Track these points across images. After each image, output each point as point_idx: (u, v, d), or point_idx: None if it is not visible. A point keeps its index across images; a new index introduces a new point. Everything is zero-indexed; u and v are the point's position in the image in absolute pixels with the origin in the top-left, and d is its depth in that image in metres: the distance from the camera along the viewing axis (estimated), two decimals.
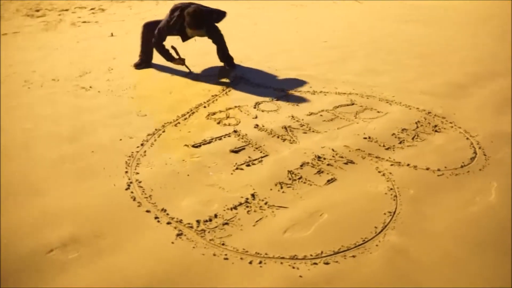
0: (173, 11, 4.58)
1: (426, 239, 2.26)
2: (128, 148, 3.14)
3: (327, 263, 2.09)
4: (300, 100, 4.06)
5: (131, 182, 2.72)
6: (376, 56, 5.58)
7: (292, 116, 3.68)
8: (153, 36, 4.65)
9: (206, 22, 4.50)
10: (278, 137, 3.33)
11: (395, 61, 5.37)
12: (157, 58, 4.85)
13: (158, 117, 3.66)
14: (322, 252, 2.15)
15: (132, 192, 2.62)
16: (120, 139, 3.27)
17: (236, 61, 5.09)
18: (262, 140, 3.27)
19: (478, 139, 3.31)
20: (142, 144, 3.20)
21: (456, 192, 2.67)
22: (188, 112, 3.76)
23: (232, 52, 4.98)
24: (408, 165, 2.95)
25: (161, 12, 7.72)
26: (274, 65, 5.07)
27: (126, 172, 2.84)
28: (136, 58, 4.93)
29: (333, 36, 6.55)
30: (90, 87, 4.32)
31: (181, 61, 4.78)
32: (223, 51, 4.84)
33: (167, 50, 4.76)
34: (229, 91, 4.27)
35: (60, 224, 2.33)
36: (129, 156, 3.03)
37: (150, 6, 8.63)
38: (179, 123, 3.56)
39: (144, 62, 4.93)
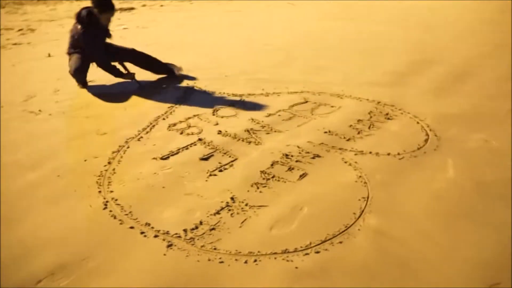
0: (78, 17, 4.34)
1: (401, 217, 2.45)
2: (95, 168, 3.06)
3: (317, 252, 2.20)
4: (256, 103, 4.17)
5: (107, 201, 2.66)
6: (318, 54, 5.84)
7: (252, 119, 3.78)
8: (85, 71, 4.53)
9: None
10: (243, 140, 3.41)
11: (337, 57, 5.66)
12: (104, 77, 4.74)
13: (119, 134, 3.59)
14: (310, 243, 2.26)
15: (110, 211, 2.57)
16: (85, 160, 3.18)
17: (185, 71, 5.11)
18: (228, 145, 3.33)
19: (427, 122, 3.60)
20: (109, 163, 3.13)
21: (417, 172, 2.90)
22: (148, 126, 3.73)
23: (179, 62, 5.01)
24: (370, 153, 3.15)
25: None
26: (224, 71, 5.14)
27: (100, 191, 2.78)
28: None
29: (274, 39, 6.75)
30: (40, 110, 4.13)
31: (131, 75, 4.72)
32: (154, 62, 4.84)
33: (114, 66, 4.68)
34: (184, 101, 4.28)
35: (43, 252, 2.24)
36: (99, 176, 2.96)
37: None
38: (141, 137, 3.52)
39: (83, 81, 4.73)
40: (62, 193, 2.78)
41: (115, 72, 4.62)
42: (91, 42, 4.42)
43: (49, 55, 6.05)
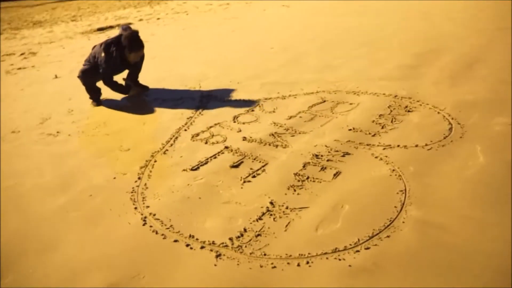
0: (107, 49, 4.50)
1: (441, 206, 2.45)
2: (126, 185, 3.06)
3: (367, 248, 2.20)
4: (274, 106, 4.18)
5: (145, 217, 2.66)
6: (324, 52, 5.87)
7: (274, 123, 3.79)
8: (93, 80, 4.64)
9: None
10: (269, 144, 3.42)
11: (344, 53, 5.68)
12: (110, 93, 4.77)
13: (143, 149, 3.59)
14: (359, 240, 2.26)
15: (151, 226, 2.57)
16: (114, 178, 3.18)
17: (194, 82, 5.15)
18: (256, 150, 3.34)
19: (448, 111, 3.62)
20: (139, 178, 3.13)
21: (448, 160, 2.91)
22: (171, 138, 3.73)
23: (186, 72, 5.07)
24: (398, 146, 3.16)
25: None
26: (235, 78, 5.15)
27: (135, 208, 2.78)
28: (86, 95, 4.81)
29: (277, 41, 6.77)
30: (58, 132, 4.13)
31: (140, 89, 4.77)
32: (138, 72, 4.90)
33: (121, 85, 4.75)
34: (202, 110, 4.28)
35: (91, 274, 2.24)
36: (131, 192, 2.96)
37: (82, 42, 8.36)
38: (167, 150, 3.52)
39: (97, 99, 4.80)
40: (98, 213, 2.77)
41: (125, 90, 4.73)
42: (107, 72, 4.58)
43: (56, 77, 6.05)
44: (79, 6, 13.12)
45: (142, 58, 4.76)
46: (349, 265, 2.10)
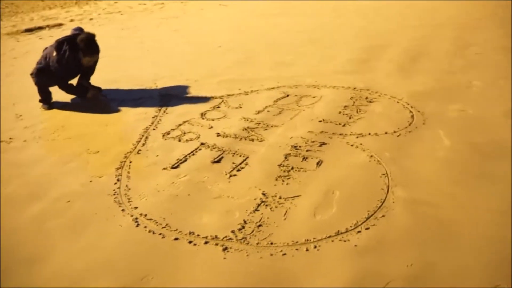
0: (59, 47, 4.26)
1: (423, 186, 2.66)
2: (105, 188, 2.92)
3: (367, 228, 2.33)
4: (239, 102, 4.21)
5: (136, 218, 2.57)
6: (272, 50, 6.00)
7: (244, 118, 3.82)
8: (47, 81, 4.36)
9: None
10: (245, 139, 3.45)
11: (292, 51, 5.86)
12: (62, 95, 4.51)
13: (114, 150, 3.44)
14: (357, 221, 2.38)
15: (145, 227, 2.49)
16: (90, 181, 3.02)
17: (149, 81, 5.03)
18: (233, 145, 3.35)
19: (405, 100, 3.91)
20: (118, 180, 3.01)
21: (418, 144, 3.16)
22: (141, 138, 3.62)
23: (137, 72, 4.97)
24: (369, 134, 3.36)
25: (24, 50, 7.07)
26: (190, 77, 5.10)
27: (123, 210, 2.67)
28: (36, 99, 4.49)
29: (222, 40, 6.79)
30: (10, 138, 3.80)
31: (96, 90, 4.56)
32: (91, 75, 4.72)
33: (77, 87, 4.51)
34: (166, 109, 4.19)
35: (93, 281, 2.12)
36: (113, 195, 2.83)
37: (11, 44, 7.71)
38: (140, 150, 3.41)
39: (49, 102, 4.50)
40: (81, 219, 2.62)
41: (81, 92, 4.51)
42: (59, 72, 4.31)
43: None
44: None
45: (95, 61, 4.54)
46: (355, 245, 2.21)
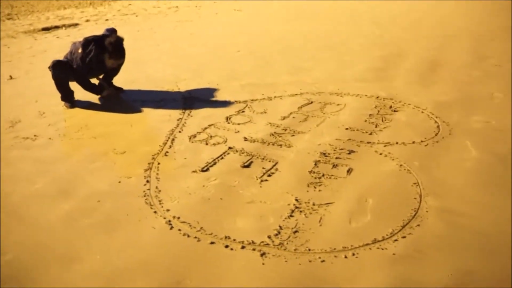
0: (85, 45, 4.30)
1: (454, 195, 2.66)
2: (135, 189, 2.93)
3: (404, 237, 2.33)
4: (263, 107, 4.22)
5: (169, 221, 2.57)
6: (290, 55, 6.02)
7: (270, 123, 3.83)
8: (65, 76, 4.37)
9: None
10: (273, 144, 3.45)
11: (310, 57, 5.87)
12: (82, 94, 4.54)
13: (140, 151, 3.45)
14: (393, 230, 2.38)
15: (179, 230, 2.49)
16: (119, 182, 3.03)
17: (169, 83, 5.05)
18: (261, 150, 3.35)
19: (430, 110, 3.91)
20: (147, 181, 3.01)
21: (446, 154, 3.15)
22: (167, 140, 3.62)
23: (156, 74, 5.04)
24: (397, 143, 3.36)
25: (42, 48, 7.11)
26: (212, 80, 5.12)
27: (155, 212, 2.67)
28: (57, 96, 4.50)
29: (240, 44, 6.81)
30: (35, 136, 3.82)
31: (113, 89, 4.60)
32: (114, 77, 4.77)
33: (94, 84, 4.54)
34: (190, 112, 4.20)
35: (130, 283, 2.12)
36: (144, 196, 2.84)
37: (29, 42, 7.75)
38: (167, 152, 3.42)
39: (71, 101, 4.52)
40: (113, 219, 2.63)
41: (98, 90, 4.53)
42: (81, 70, 4.34)
43: (11, 77, 5.56)
44: (11, 4, 12.11)
45: (120, 65, 4.56)
46: (393, 253, 2.21)
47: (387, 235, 2.35)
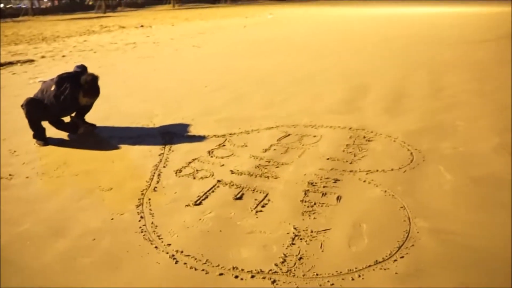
0: (59, 83, 4.27)
1: (442, 216, 2.86)
2: (129, 225, 2.89)
3: (402, 257, 2.47)
4: (243, 140, 4.33)
5: (173, 255, 2.56)
6: (261, 89, 6.25)
7: (253, 156, 3.94)
8: (39, 114, 4.29)
9: None
10: (260, 176, 3.55)
11: (282, 90, 6.13)
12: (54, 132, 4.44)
13: (127, 187, 3.42)
14: (391, 251, 2.52)
15: (185, 264, 2.48)
16: (112, 219, 2.98)
17: (143, 119, 5.05)
18: (250, 182, 3.44)
19: (401, 139, 4.20)
20: (142, 217, 2.98)
21: (424, 179, 3.40)
22: (153, 175, 3.62)
23: (129, 110, 5.07)
24: (377, 170, 3.58)
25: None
26: (186, 115, 5.19)
27: (156, 247, 2.65)
28: (26, 134, 4.38)
29: (208, 79, 6.97)
30: (10, 175, 3.66)
31: (89, 127, 4.55)
32: (86, 113, 4.76)
33: (69, 123, 4.48)
34: (170, 147, 4.23)
35: None
36: (141, 232, 2.81)
37: None
38: (156, 187, 3.41)
39: (44, 138, 4.41)
40: (115, 257, 2.57)
41: (73, 129, 4.50)
42: (54, 108, 4.27)
43: None
44: None
45: (93, 102, 4.54)
46: (396, 273, 2.34)
47: (386, 256, 2.48)
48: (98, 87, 4.33)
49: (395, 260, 2.44)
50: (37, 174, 3.69)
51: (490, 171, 3.47)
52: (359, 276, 2.33)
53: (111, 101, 5.76)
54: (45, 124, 4.43)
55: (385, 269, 2.37)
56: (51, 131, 4.48)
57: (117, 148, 4.26)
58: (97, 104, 5.02)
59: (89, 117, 4.78)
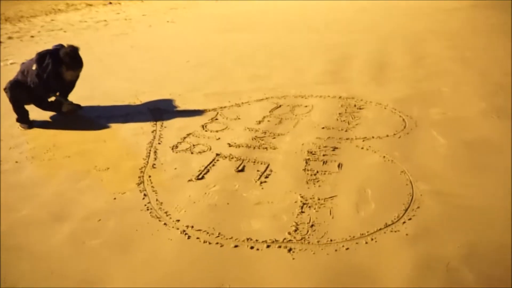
0: (40, 60, 4.07)
1: (441, 179, 2.93)
2: (134, 204, 2.84)
3: (410, 219, 2.54)
4: (235, 113, 4.29)
5: (184, 231, 2.54)
6: (244, 63, 6.16)
7: (247, 128, 3.91)
8: (23, 96, 4.12)
9: None
10: (258, 147, 3.54)
11: (264, 64, 6.06)
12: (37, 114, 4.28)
13: (125, 166, 3.35)
14: (398, 214, 2.59)
15: (198, 238, 2.47)
16: (114, 198, 2.92)
17: (130, 98, 4.91)
18: (249, 154, 3.43)
19: (392, 106, 4.26)
20: (145, 195, 2.94)
21: (419, 144, 3.47)
22: (148, 152, 3.55)
23: (111, 89, 4.97)
24: (373, 137, 3.62)
25: None
26: (173, 91, 5.08)
27: (165, 224, 2.62)
28: (8, 118, 4.21)
29: (188, 55, 6.80)
30: None
31: (74, 106, 4.39)
32: (70, 91, 4.55)
33: (53, 102, 4.31)
34: (162, 123, 4.14)
35: None
36: (148, 210, 2.77)
37: None
38: (154, 164, 3.35)
39: (28, 121, 4.24)
40: (125, 237, 2.53)
41: (58, 108, 4.32)
42: (38, 87, 4.07)
43: None
44: None
45: (77, 77, 4.36)
46: (406, 234, 2.41)
47: (395, 218, 2.55)
48: (80, 58, 4.15)
49: (404, 222, 2.51)
50: (26, 159, 3.55)
51: (480, 135, 3.57)
52: (372, 239, 2.38)
53: (91, 81, 5.56)
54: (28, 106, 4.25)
55: (395, 231, 2.43)
56: (33, 114, 4.30)
57: (107, 127, 4.13)
58: (78, 84, 4.84)
59: (72, 98, 4.60)
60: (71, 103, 4.41)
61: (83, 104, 4.66)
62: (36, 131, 4.12)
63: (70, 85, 4.39)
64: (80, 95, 4.89)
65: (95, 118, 4.35)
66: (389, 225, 2.49)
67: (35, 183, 3.16)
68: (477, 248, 2.28)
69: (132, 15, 11.10)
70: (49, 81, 4.05)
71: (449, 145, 3.42)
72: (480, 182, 2.88)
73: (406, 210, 2.62)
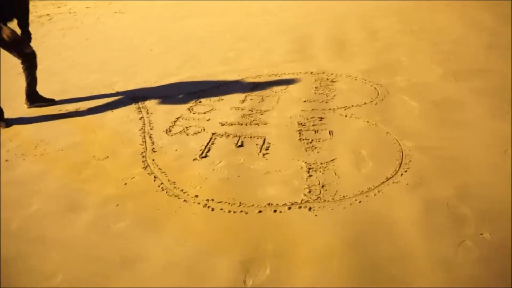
0: None
1: (423, 136, 3.28)
2: (147, 186, 2.93)
3: (406, 171, 2.85)
4: (217, 94, 4.41)
5: (206, 204, 2.68)
6: (210, 48, 6.21)
7: (234, 107, 4.07)
8: None
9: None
10: (250, 124, 3.71)
11: (229, 47, 6.13)
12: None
13: (124, 153, 3.39)
14: (395, 169, 2.90)
15: (221, 209, 2.63)
16: (125, 183, 2.98)
17: (105, 89, 4.87)
18: (243, 131, 3.59)
19: (361, 77, 4.58)
20: (155, 177, 3.03)
21: (396, 108, 3.80)
22: (143, 138, 3.61)
23: (83, 82, 4.97)
24: (352, 105, 3.92)
25: None
26: (148, 78, 5.08)
27: (185, 200, 2.75)
28: None
29: (150, 44, 6.74)
30: None
31: (50, 102, 4.30)
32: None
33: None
34: (147, 110, 4.18)
35: (213, 260, 2.24)
36: (163, 190, 2.87)
37: None
38: (154, 148, 3.43)
39: (3, 119, 4.10)
40: (149, 217, 2.63)
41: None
42: None
43: None
44: None
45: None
46: (407, 183, 2.72)
47: (393, 172, 2.85)
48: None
49: (402, 174, 2.82)
50: (16, 156, 3.47)
51: (444, 95, 3.98)
52: (379, 191, 2.67)
53: (58, 75, 5.40)
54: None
55: (397, 183, 2.74)
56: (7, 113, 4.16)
57: (91, 119, 4.10)
58: (46, 79, 4.74)
59: (43, 93, 4.47)
60: (41, 100, 4.29)
61: (57, 98, 4.56)
62: (14, 128, 4.00)
63: (24, 9, 4.11)
64: (50, 90, 4.77)
65: (75, 111, 4.27)
66: (390, 178, 2.79)
67: (35, 179, 3.13)
68: (468, 188, 2.64)
69: (75, 8, 10.62)
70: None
71: (420, 106, 3.79)
72: (455, 135, 3.26)
73: (400, 164, 2.94)
